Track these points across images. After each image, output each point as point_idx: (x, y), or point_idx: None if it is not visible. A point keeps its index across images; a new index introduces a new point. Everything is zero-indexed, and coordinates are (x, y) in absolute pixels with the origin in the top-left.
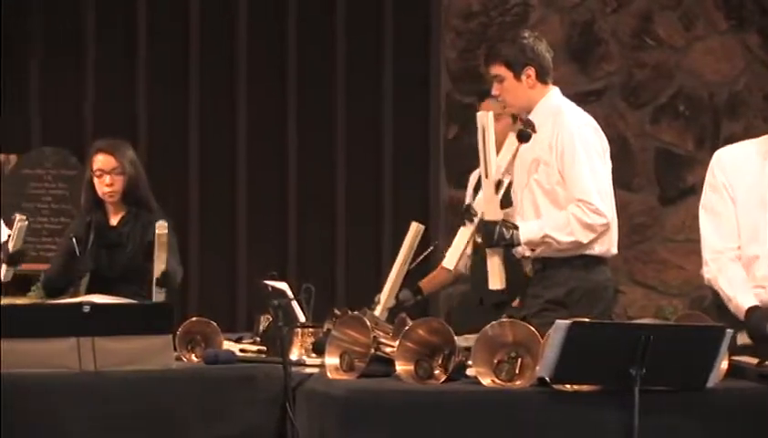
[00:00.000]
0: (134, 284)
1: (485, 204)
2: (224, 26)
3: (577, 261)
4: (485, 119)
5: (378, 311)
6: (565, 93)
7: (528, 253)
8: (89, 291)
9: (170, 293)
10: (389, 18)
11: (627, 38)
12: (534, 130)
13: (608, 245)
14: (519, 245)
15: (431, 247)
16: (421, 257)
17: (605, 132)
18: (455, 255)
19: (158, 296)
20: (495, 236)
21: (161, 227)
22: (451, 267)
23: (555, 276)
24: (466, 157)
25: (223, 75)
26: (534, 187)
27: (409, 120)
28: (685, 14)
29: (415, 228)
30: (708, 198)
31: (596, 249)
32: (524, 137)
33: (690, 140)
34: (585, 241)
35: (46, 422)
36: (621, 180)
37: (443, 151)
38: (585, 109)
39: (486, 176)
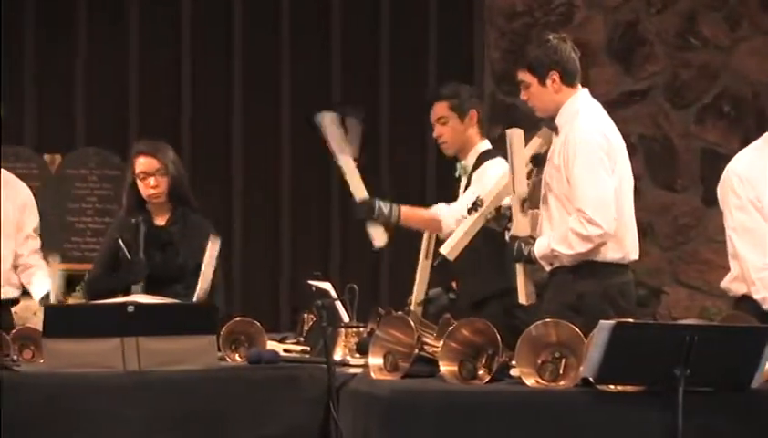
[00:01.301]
0: (185, 285)
1: (514, 222)
2: (268, 27)
3: (585, 267)
4: (514, 136)
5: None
6: (609, 93)
7: (548, 267)
8: (145, 292)
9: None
10: (433, 18)
11: (671, 39)
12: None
13: (621, 252)
14: (536, 261)
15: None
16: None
17: (649, 133)
18: (453, 241)
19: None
20: (515, 252)
21: (214, 242)
22: (446, 252)
23: (564, 283)
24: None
25: (267, 75)
26: (549, 194)
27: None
28: (730, 14)
29: None
30: (737, 219)
31: (610, 256)
32: (538, 162)
33: (734, 140)
34: (583, 252)
35: (91, 421)
36: (665, 181)
37: None
38: (628, 110)
39: (513, 192)
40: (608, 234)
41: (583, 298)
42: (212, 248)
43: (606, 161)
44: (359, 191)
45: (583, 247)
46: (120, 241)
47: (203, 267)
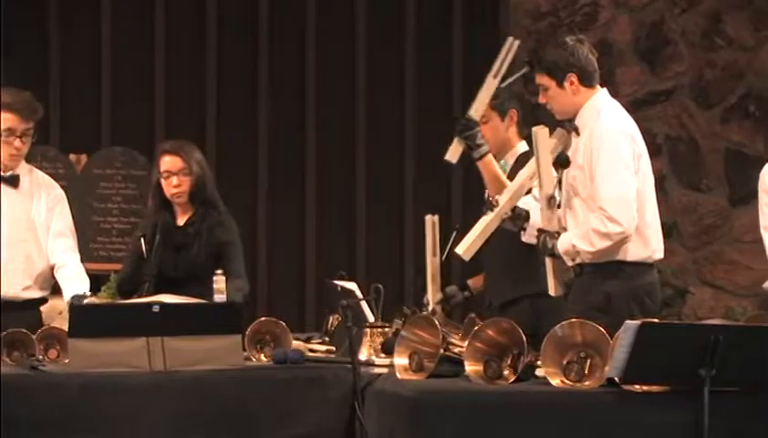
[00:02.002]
0: (200, 284)
1: (541, 216)
2: (294, 29)
3: (611, 267)
4: (540, 133)
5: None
6: (634, 93)
7: (570, 263)
8: (157, 292)
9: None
10: (458, 19)
11: (696, 38)
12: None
13: (646, 251)
14: (559, 256)
15: (454, 232)
16: (449, 246)
17: (674, 133)
18: (468, 240)
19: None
20: (541, 245)
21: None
22: (461, 252)
23: (591, 283)
24: None
25: (293, 76)
26: (572, 193)
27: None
28: (755, 13)
29: (429, 220)
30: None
31: (635, 255)
32: (561, 162)
33: (759, 140)
34: (603, 249)
35: (116, 421)
36: (690, 181)
37: None
38: (654, 110)
39: (540, 189)
40: (628, 232)
41: (609, 298)
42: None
43: (629, 160)
44: (474, 109)
45: (603, 245)
46: (142, 240)
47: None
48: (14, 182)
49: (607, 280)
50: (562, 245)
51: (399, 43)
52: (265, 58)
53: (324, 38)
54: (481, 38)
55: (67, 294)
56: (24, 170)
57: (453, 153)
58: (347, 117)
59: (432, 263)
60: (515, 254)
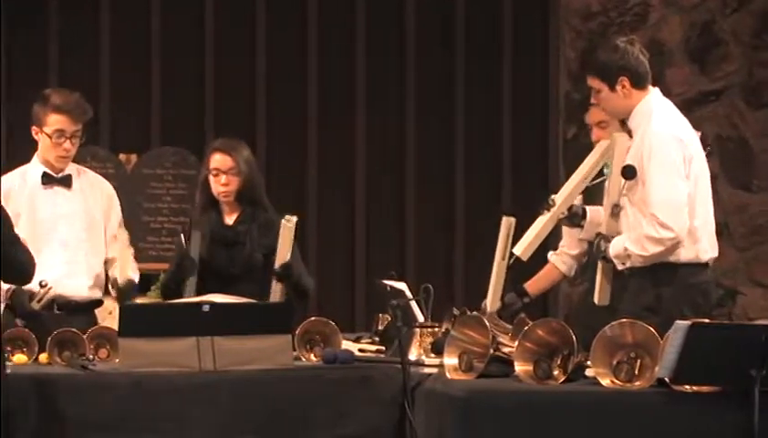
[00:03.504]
0: (254, 283)
1: (604, 222)
2: (343, 26)
3: (663, 269)
4: (619, 140)
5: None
6: (685, 93)
7: (620, 266)
8: (210, 290)
9: (298, 295)
10: (509, 18)
11: (747, 38)
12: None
13: (698, 252)
14: (611, 259)
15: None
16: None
17: (724, 133)
18: (526, 241)
19: (275, 289)
20: (595, 248)
21: (290, 220)
22: (519, 253)
23: (642, 284)
24: (584, 157)
25: (342, 75)
26: (624, 198)
27: (527, 120)
28: None
29: (506, 222)
30: None
31: (678, 256)
32: (628, 174)
33: None
34: (656, 254)
35: (166, 421)
36: (740, 181)
37: (562, 152)
38: (704, 110)
39: (607, 195)
40: (680, 237)
41: (661, 299)
42: (288, 222)
43: (679, 165)
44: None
45: (655, 250)
46: (182, 236)
47: (279, 244)
48: (67, 182)
49: (659, 281)
50: (614, 248)
51: (447, 43)
52: (314, 58)
53: (374, 41)
54: (531, 38)
55: (119, 277)
56: (72, 170)
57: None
58: (397, 116)
59: (500, 266)
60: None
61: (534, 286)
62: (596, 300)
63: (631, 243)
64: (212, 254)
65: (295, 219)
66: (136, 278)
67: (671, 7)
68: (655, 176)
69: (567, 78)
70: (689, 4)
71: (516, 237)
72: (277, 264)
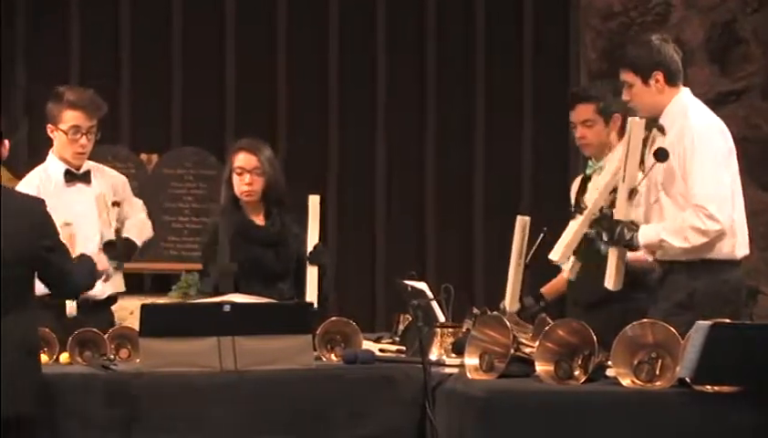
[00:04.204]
0: (286, 282)
1: (618, 205)
2: (365, 29)
3: (700, 265)
4: (635, 125)
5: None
6: (705, 94)
7: (649, 256)
8: (250, 289)
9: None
10: (529, 18)
11: None
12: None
13: (734, 248)
14: (638, 247)
15: (542, 234)
16: (534, 247)
17: (745, 133)
18: (561, 246)
19: (311, 272)
20: (616, 234)
21: (314, 199)
22: (556, 258)
23: (678, 280)
24: None
25: (362, 74)
26: (660, 191)
27: (547, 120)
28: None
29: (521, 222)
30: None
31: (720, 253)
32: (661, 156)
33: None
34: (698, 246)
35: (187, 421)
36: (761, 180)
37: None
38: (724, 110)
39: (623, 180)
40: (725, 230)
41: (694, 295)
42: (314, 202)
43: (723, 157)
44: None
45: (699, 241)
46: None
47: (309, 224)
48: (86, 178)
49: (694, 277)
50: (645, 236)
51: (469, 42)
52: (335, 57)
53: (393, 40)
54: (551, 38)
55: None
56: (89, 166)
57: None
58: (417, 115)
59: (517, 266)
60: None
61: (550, 289)
62: (608, 286)
63: (670, 234)
64: (245, 252)
65: (317, 198)
66: (138, 243)
67: (692, 8)
68: (700, 168)
69: (588, 77)
70: (710, 4)
71: (531, 237)
72: (309, 245)
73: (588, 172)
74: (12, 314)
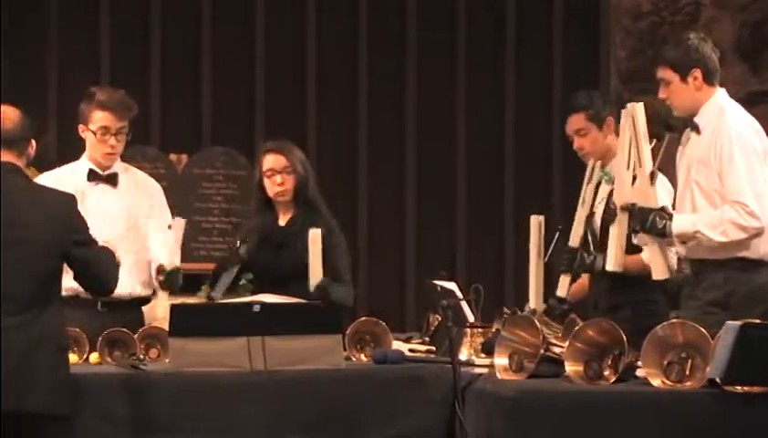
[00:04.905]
0: (302, 284)
1: (639, 193)
2: (394, 35)
3: (735, 263)
4: (635, 110)
5: None
6: (736, 93)
7: (679, 247)
8: (261, 291)
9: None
10: (559, 18)
11: None
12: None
13: None
14: (671, 235)
15: (557, 232)
16: (552, 245)
17: None
18: (613, 254)
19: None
20: (648, 224)
21: (315, 233)
22: (616, 268)
23: (712, 279)
24: None
25: (392, 73)
26: (694, 187)
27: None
28: None
29: (535, 221)
30: None
31: (756, 252)
32: (671, 127)
33: None
34: (736, 241)
35: (217, 421)
36: None
37: None
38: (755, 111)
39: (640, 166)
40: (764, 228)
41: (732, 295)
42: (314, 237)
43: (760, 155)
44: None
45: (738, 236)
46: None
47: (310, 261)
48: (113, 180)
49: (731, 276)
50: (679, 226)
51: (498, 44)
52: (365, 56)
53: (424, 39)
54: (581, 38)
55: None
56: (120, 168)
57: (563, 288)
58: (448, 117)
59: (537, 265)
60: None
61: (573, 291)
62: (656, 276)
63: (706, 226)
64: (260, 254)
65: (318, 231)
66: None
67: (723, 7)
68: (740, 166)
69: (618, 77)
70: (740, 3)
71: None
72: (311, 280)
73: (596, 179)
74: (44, 309)
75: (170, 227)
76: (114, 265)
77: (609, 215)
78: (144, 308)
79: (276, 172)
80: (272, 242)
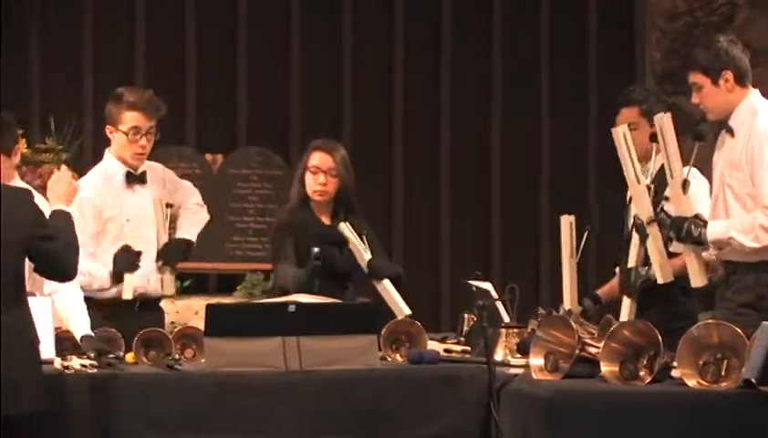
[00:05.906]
0: (353, 282)
1: (674, 202)
2: (429, 35)
3: (766, 267)
4: (665, 120)
5: None
6: None
7: (714, 252)
8: (323, 288)
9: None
10: (594, 19)
11: None
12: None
13: None
14: (706, 242)
15: (586, 232)
16: (582, 244)
17: None
18: (658, 266)
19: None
20: (684, 232)
21: (343, 226)
22: (671, 279)
23: (744, 281)
24: None
25: (427, 76)
26: (727, 191)
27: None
28: None
29: (565, 221)
30: None
31: None
32: (699, 135)
33: None
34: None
35: (252, 420)
36: None
37: None
38: None
39: (671, 176)
40: None
41: (763, 298)
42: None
43: None
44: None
45: None
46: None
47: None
48: (143, 178)
49: (760, 279)
50: (713, 233)
51: (533, 42)
52: (400, 59)
53: (459, 44)
54: (615, 38)
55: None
56: (147, 167)
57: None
58: (482, 116)
59: (569, 265)
60: None
61: (607, 291)
62: (695, 284)
63: (739, 232)
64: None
65: (346, 223)
66: (192, 238)
67: (758, 8)
68: None
69: (653, 78)
70: None
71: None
72: (361, 263)
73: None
74: (15, 308)
75: (169, 206)
76: (74, 252)
77: (638, 230)
78: (179, 308)
79: (321, 171)
80: (326, 239)
